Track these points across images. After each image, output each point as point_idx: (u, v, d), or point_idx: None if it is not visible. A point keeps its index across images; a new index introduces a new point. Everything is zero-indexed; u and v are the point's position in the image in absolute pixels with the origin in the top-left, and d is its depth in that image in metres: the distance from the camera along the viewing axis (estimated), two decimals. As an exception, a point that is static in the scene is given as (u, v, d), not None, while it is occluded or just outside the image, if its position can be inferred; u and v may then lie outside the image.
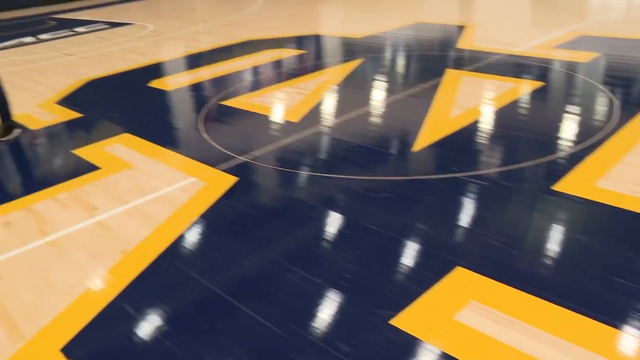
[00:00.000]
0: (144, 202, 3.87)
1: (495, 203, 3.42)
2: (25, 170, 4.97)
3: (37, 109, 6.56)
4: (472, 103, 5.25)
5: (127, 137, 5.21)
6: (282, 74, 7.05)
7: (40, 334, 2.68)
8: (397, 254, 2.98)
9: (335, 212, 3.49)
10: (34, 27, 14.40)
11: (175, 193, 3.94)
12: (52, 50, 10.63)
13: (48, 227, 3.70)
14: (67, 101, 6.76)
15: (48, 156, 5.20)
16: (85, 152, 4.92)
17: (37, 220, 3.82)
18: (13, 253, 3.46)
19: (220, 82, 6.90)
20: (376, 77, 6.43)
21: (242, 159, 4.43)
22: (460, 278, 2.72)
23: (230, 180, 4.06)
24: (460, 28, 8.70)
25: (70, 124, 5.94)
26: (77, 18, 15.52)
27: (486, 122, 4.77)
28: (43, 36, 12.67)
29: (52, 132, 5.78)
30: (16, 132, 5.67)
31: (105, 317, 2.74)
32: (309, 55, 7.96)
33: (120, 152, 4.85)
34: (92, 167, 4.58)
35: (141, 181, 4.21)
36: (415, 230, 3.18)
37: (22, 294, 3.02)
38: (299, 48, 8.42)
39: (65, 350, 2.55)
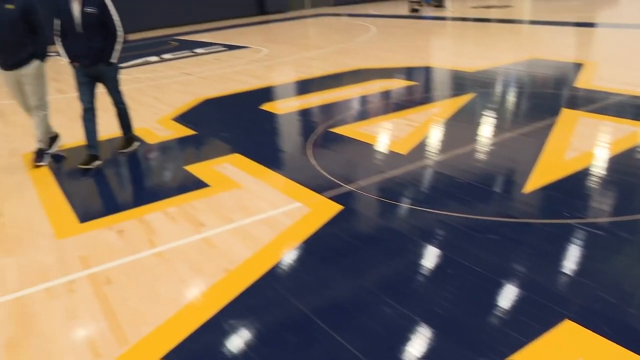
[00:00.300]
0: (249, 222, 3.97)
1: (609, 254, 3.22)
2: (140, 182, 5.25)
3: (155, 124, 6.94)
4: (589, 146, 5.01)
5: (237, 157, 5.38)
6: (391, 104, 7.06)
7: (143, 341, 2.79)
8: (498, 297, 2.87)
9: (436, 247, 3.42)
10: (159, 47, 15.30)
11: (280, 216, 4.01)
12: (173, 69, 11.23)
13: (157, 238, 3.87)
14: (183, 118, 7.10)
15: (161, 170, 5.47)
16: (197, 169, 5.13)
17: (147, 231, 4.00)
18: (124, 260, 3.64)
19: (330, 109, 7.00)
20: (487, 113, 6.30)
21: (348, 187, 4.45)
22: (568, 332, 2.57)
23: (334, 208, 4.09)
24: (578, 66, 8.37)
25: (184, 141, 6.22)
26: (198, 40, 16.34)
27: (603, 167, 4.54)
28: (166, 56, 13.43)
29: (166, 147, 6.08)
30: (135, 144, 6.03)
31: (204, 332, 2.82)
32: (419, 87, 7.93)
33: (230, 171, 5.01)
34: (201, 184, 4.77)
35: (248, 202, 4.32)
36: (520, 275, 3.05)
37: (130, 300, 3.17)
38: (409, 79, 8.41)
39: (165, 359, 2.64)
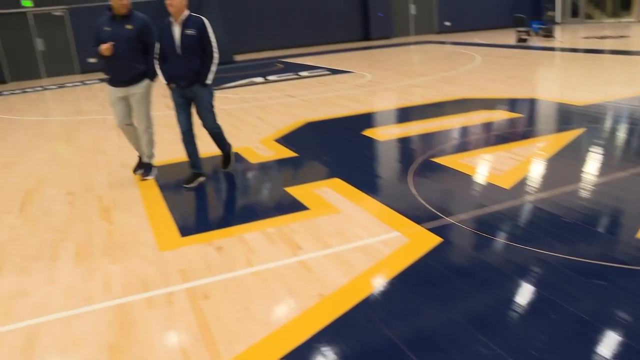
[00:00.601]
0: (347, 249, 3.94)
1: None
2: (240, 200, 5.36)
3: (258, 144, 7.11)
4: None
5: (336, 181, 5.39)
6: (495, 136, 6.86)
7: (236, 358, 2.81)
8: (600, 346, 2.67)
9: (535, 287, 3.24)
10: (264, 69, 15.76)
11: (378, 245, 3.96)
12: (277, 90, 11.50)
13: (255, 258, 3.92)
14: (285, 140, 7.22)
15: (262, 190, 5.57)
16: (296, 191, 5.19)
17: (245, 249, 4.07)
18: (221, 277, 3.71)
19: (432, 138, 6.90)
20: (597, 150, 5.98)
21: (448, 219, 4.34)
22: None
23: (433, 240, 3.99)
24: None
25: (285, 162, 6.32)
26: (302, 63, 16.70)
27: None
28: (271, 77, 13.79)
29: (268, 168, 6.20)
30: (234, 158, 6.20)
31: (296, 355, 2.80)
32: (525, 119, 7.66)
33: (329, 195, 5.02)
34: (301, 207, 4.80)
35: (346, 228, 4.30)
36: (625, 325, 2.83)
37: (224, 317, 3.21)
38: (514, 111, 8.16)
39: (257, 382, 2.64)
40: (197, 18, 5.38)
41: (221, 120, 8.60)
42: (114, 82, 5.80)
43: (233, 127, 8.25)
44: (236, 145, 7.11)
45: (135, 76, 5.73)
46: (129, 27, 5.60)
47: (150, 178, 6.06)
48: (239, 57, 19.89)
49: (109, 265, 4.04)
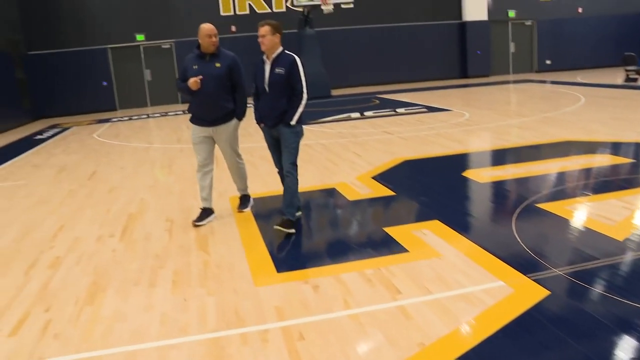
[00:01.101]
0: (448, 296, 3.75)
1: None
2: (338, 238, 5.24)
3: (355, 180, 7.03)
4: None
5: (436, 224, 5.20)
6: (603, 182, 6.45)
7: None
8: None
9: (671, 361, 2.92)
10: (361, 104, 15.79)
11: (481, 294, 3.75)
12: (374, 127, 11.45)
13: (352, 300, 3.80)
14: (383, 177, 7.11)
15: (360, 229, 5.46)
16: (395, 232, 5.03)
17: (343, 290, 3.95)
18: (318, 317, 3.60)
19: (535, 182, 6.57)
20: None
21: (556, 271, 4.05)
22: None
23: (540, 292, 3.72)
24: None
25: (383, 201, 6.20)
26: (399, 99, 16.61)
27: None
28: (368, 113, 13.79)
29: (365, 206, 6.09)
30: (298, 214, 5.55)
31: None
32: (635, 165, 7.18)
33: (429, 238, 4.84)
34: (400, 248, 4.65)
35: (447, 273, 4.11)
36: None
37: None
38: (624, 156, 7.67)
39: None
40: (288, 56, 5.20)
41: (318, 154, 8.75)
42: (200, 120, 5.65)
43: (330, 162, 8.23)
44: (333, 181, 7.09)
45: (222, 115, 5.60)
46: (217, 65, 5.51)
47: (247, 210, 6.05)
48: (336, 92, 20.09)
49: (205, 296, 4.04)
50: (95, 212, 6.64)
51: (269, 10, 21.55)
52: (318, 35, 19.46)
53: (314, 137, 10.75)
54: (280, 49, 5.23)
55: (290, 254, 4.88)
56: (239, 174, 5.98)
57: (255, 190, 6.84)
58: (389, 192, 6.43)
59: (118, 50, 20.77)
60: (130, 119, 17.56)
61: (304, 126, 5.44)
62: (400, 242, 4.77)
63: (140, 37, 20.71)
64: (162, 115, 17.73)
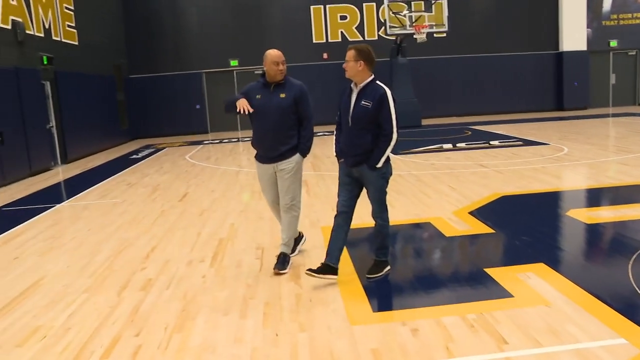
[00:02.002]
0: (561, 351, 3.40)
1: None
2: (437, 278, 4.93)
3: (451, 215, 6.72)
4: None
5: (542, 267, 4.82)
6: None
7: None
8: None
9: None
10: (453, 135, 15.41)
11: (599, 351, 3.37)
12: (468, 159, 11.06)
13: (454, 347, 3.52)
14: (480, 213, 6.76)
15: (460, 268, 5.14)
16: (497, 274, 4.70)
17: (444, 336, 3.67)
18: (416, 364, 3.36)
19: (650, 226, 6.05)
20: None
21: (686, 330, 3.62)
22: None
23: (671, 356, 3.32)
24: None
25: (482, 238, 5.87)
26: (492, 131, 16.10)
27: None
28: (460, 144, 13.40)
29: (464, 243, 5.78)
30: (386, 270, 4.94)
31: None
32: None
33: (535, 282, 4.48)
34: (503, 292, 4.31)
35: (557, 324, 3.75)
36: None
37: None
38: None
39: None
40: (377, 88, 4.56)
41: (410, 185, 8.50)
42: (262, 158, 5.16)
43: (424, 195, 7.95)
44: (428, 215, 6.81)
45: (285, 151, 5.04)
46: (282, 95, 4.97)
47: (285, 272, 5.06)
48: (427, 122, 19.76)
49: (297, 332, 3.87)
50: (186, 234, 6.66)
51: (361, 38, 21.62)
52: (410, 64, 19.28)
53: (406, 167, 10.50)
54: (370, 78, 4.61)
55: (386, 292, 4.63)
56: (288, 222, 5.18)
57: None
58: (488, 230, 6.08)
59: (212, 74, 21.39)
60: (221, 142, 17.92)
61: (392, 156, 4.83)
62: (503, 286, 4.43)
63: (234, 62, 21.25)
64: (252, 139, 17.97)
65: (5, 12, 12.62)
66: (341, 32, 21.71)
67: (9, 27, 12.76)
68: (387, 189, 4.82)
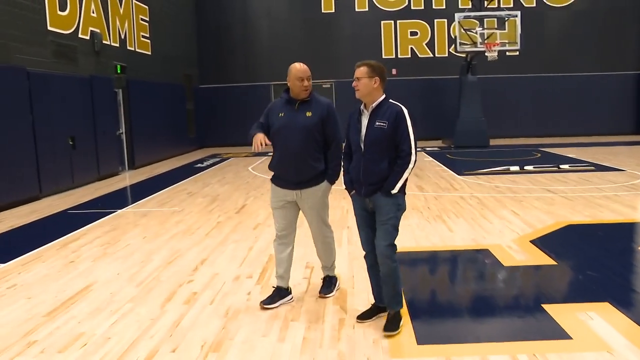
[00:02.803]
0: (621, 405, 3.10)
1: None
2: (488, 311, 4.64)
3: (511, 242, 6.38)
4: None
5: (606, 307, 4.45)
6: None
7: None
8: None
9: None
10: (521, 157, 14.88)
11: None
12: (534, 183, 10.61)
13: (501, 391, 3.26)
14: (542, 243, 6.38)
15: (514, 302, 4.82)
16: (555, 311, 4.36)
17: (491, 376, 3.42)
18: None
19: None
20: None
21: None
22: None
23: None
24: None
25: (542, 270, 5.52)
26: (563, 154, 15.45)
27: None
28: (528, 167, 12.90)
29: (521, 274, 5.46)
30: (401, 323, 4.17)
31: None
32: None
33: (597, 324, 4.12)
34: (560, 333, 3.99)
35: (619, 374, 3.43)
36: None
37: None
38: None
39: None
40: (393, 106, 4.12)
41: (471, 208, 8.19)
42: (282, 181, 4.64)
43: (484, 219, 7.62)
44: (486, 241, 6.49)
45: (310, 177, 4.56)
46: (308, 114, 4.53)
47: (331, 295, 4.85)
48: (494, 142, 19.20)
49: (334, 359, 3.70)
50: (238, 248, 6.60)
51: (431, 55, 21.31)
52: (479, 82, 18.82)
53: (468, 188, 10.16)
54: (382, 97, 4.16)
55: (433, 323, 4.39)
56: (325, 249, 4.85)
57: (404, 243, 6.44)
58: (550, 261, 5.72)
59: (280, 87, 21.40)
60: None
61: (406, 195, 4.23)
62: (561, 325, 4.10)
63: (302, 75, 21.32)
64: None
65: (85, 24, 13.12)
66: (411, 48, 21.47)
67: (88, 37, 13.24)
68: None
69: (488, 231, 6.95)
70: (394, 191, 4.02)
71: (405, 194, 4.16)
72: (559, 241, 6.58)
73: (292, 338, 4.06)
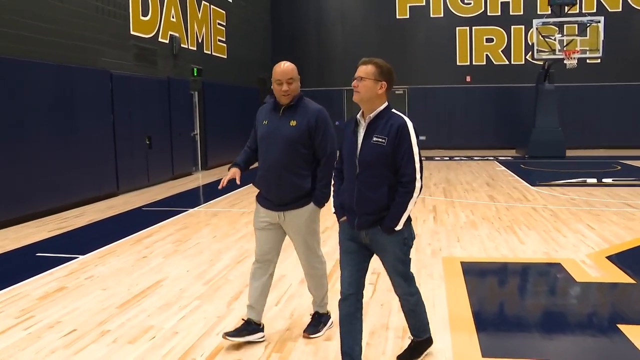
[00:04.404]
0: None
1: None
2: (559, 328, 4.47)
3: (585, 257, 6.14)
4: None
5: (687, 329, 4.23)
6: None
7: None
8: None
9: None
10: (599, 169, 14.30)
11: None
12: (612, 196, 10.18)
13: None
14: (620, 259, 6.10)
15: (588, 321, 4.63)
16: (632, 333, 4.13)
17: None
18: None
19: None
20: None
21: None
22: None
23: None
24: None
25: (619, 289, 5.28)
26: (645, 167, 14.76)
27: None
28: (606, 180, 12.39)
29: (596, 292, 5.25)
30: (426, 350, 3.80)
31: None
32: None
33: (676, 347, 3.93)
34: (637, 356, 3.82)
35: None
36: None
37: None
38: None
39: None
40: (393, 117, 3.36)
41: (544, 221, 7.96)
42: (265, 200, 4.02)
43: (558, 232, 7.36)
44: (559, 255, 6.28)
45: (296, 197, 3.90)
46: (292, 123, 3.86)
47: (318, 335, 4.17)
48: (571, 152, 18.53)
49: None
50: (305, 251, 6.64)
51: (507, 62, 20.82)
52: (557, 90, 18.24)
53: (542, 200, 9.86)
54: (384, 105, 3.40)
55: (500, 336, 4.28)
56: (314, 281, 4.18)
57: (473, 253, 6.36)
58: (628, 279, 5.46)
59: (353, 92, 21.53)
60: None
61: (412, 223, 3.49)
62: (638, 348, 3.92)
63: (375, 81, 21.28)
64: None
65: (165, 28, 13.58)
66: (486, 55, 21.04)
67: (167, 41, 13.69)
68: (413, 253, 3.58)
69: (561, 245, 6.71)
70: (398, 228, 3.31)
71: (411, 220, 3.45)
72: (638, 258, 6.28)
73: (355, 343, 4.05)
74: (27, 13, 9.03)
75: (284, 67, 3.99)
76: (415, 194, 3.29)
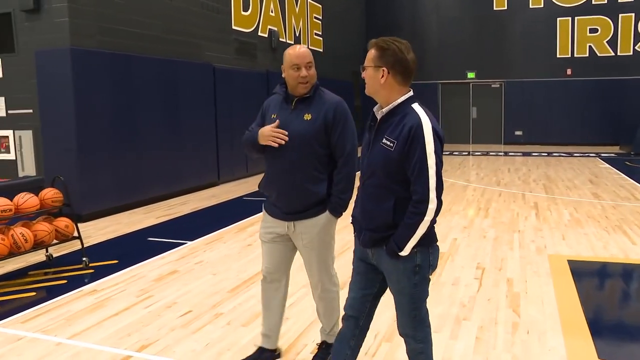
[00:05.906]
0: None
1: None
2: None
3: None
4: None
5: None
6: None
7: None
8: None
9: None
10: None
11: None
12: None
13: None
14: None
15: None
16: None
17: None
18: None
19: None
20: None
21: None
22: None
23: None
24: None
25: None
26: None
27: None
28: None
29: None
30: None
31: None
32: None
33: None
34: None
35: None
36: None
37: None
38: None
39: None
40: (410, 116, 2.62)
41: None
42: (272, 208, 3.45)
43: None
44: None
45: (307, 206, 3.32)
46: (307, 117, 3.29)
47: None
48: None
49: (510, 365, 3.63)
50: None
51: (613, 54, 19.80)
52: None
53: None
54: (403, 98, 2.69)
55: (616, 337, 4.14)
56: (325, 305, 3.58)
57: (581, 252, 6.16)
58: None
59: (448, 86, 21.28)
60: (451, 154, 17.72)
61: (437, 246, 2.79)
62: None
63: (471, 74, 20.90)
64: (483, 154, 17.53)
65: (265, 22, 13.91)
66: (590, 46, 20.09)
67: (266, 35, 14.02)
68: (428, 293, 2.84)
69: None
70: (403, 253, 2.61)
71: (436, 241, 2.73)
72: None
73: (465, 337, 4.04)
74: (141, 12, 9.51)
75: (301, 50, 3.34)
76: (428, 217, 2.54)
